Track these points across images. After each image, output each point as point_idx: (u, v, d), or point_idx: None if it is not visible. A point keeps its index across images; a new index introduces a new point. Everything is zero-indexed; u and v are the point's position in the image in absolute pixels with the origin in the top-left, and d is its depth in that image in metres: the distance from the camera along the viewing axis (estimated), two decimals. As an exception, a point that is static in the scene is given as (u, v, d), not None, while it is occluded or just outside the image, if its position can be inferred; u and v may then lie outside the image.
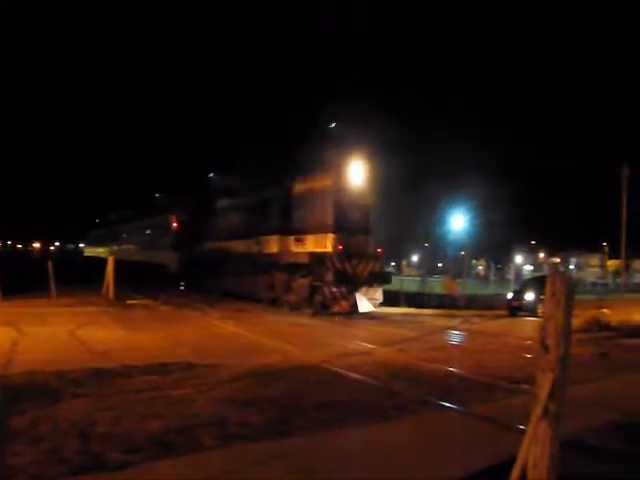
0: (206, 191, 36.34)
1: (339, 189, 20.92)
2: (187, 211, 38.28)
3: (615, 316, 17.30)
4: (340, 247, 20.45)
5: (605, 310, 18.01)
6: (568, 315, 4.11)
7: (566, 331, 4.11)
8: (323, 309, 20.27)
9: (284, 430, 6.45)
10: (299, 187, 23.12)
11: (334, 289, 20.22)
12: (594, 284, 63.65)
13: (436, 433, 6.56)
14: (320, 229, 21.38)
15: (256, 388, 8.44)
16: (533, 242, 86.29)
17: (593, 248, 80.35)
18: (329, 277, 19.97)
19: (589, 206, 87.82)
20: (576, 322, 12.43)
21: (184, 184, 50.97)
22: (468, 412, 7.36)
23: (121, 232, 66.33)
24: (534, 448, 4.20)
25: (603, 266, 77.12)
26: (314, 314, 20.18)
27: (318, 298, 20.47)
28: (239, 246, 27.78)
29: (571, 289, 4.13)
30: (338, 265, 20.17)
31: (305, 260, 21.36)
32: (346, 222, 20.83)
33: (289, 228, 23.26)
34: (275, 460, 5.47)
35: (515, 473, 4.13)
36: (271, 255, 24.11)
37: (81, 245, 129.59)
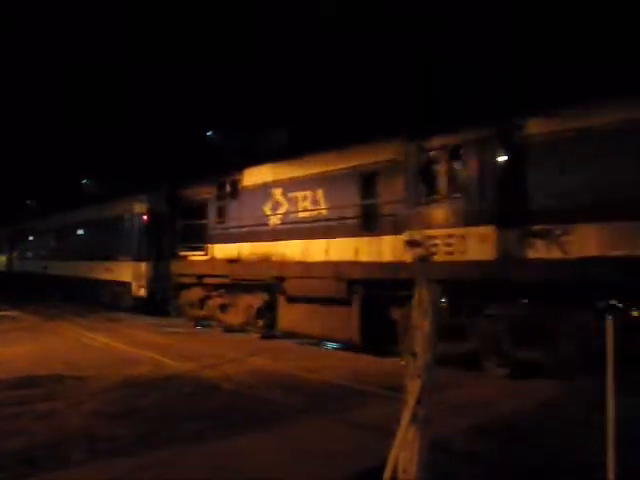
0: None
1: None
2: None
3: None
4: None
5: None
6: (434, 323, 4.30)
7: (432, 338, 4.30)
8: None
9: (154, 443, 6.32)
10: None
11: None
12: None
13: (311, 440, 6.59)
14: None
15: (127, 400, 8.22)
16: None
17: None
18: None
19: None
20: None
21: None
22: (343, 418, 7.50)
23: None
24: (403, 452, 4.34)
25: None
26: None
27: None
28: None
29: (437, 299, 4.33)
30: None
31: None
32: None
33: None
34: (141, 473, 5.39)
35: (385, 478, 4.26)
36: None
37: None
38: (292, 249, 15.20)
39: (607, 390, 4.60)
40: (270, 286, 15.96)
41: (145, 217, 23.84)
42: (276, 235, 15.80)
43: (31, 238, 41.23)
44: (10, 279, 43.13)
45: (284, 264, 15.31)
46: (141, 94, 38.60)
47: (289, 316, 15.47)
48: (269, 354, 12.95)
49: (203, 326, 19.34)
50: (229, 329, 17.87)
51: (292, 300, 15.23)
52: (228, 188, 17.92)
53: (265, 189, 16.30)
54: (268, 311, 16.36)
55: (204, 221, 18.84)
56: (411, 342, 4.32)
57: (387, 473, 4.27)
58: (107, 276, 26.33)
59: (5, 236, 47.01)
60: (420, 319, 4.29)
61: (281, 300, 15.66)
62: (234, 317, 17.75)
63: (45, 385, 9.09)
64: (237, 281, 17.12)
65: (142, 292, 23.23)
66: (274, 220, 15.96)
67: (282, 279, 15.34)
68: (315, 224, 14.58)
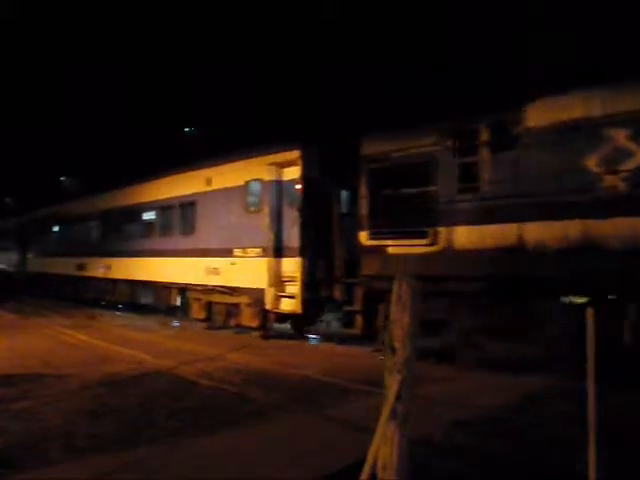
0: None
1: None
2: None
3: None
4: None
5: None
6: (414, 318, 4.28)
7: (412, 333, 4.27)
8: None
9: (134, 441, 6.25)
10: None
11: None
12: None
13: (290, 437, 6.58)
14: None
15: (106, 398, 8.14)
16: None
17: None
18: None
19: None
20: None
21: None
22: (323, 415, 7.48)
23: None
24: (383, 449, 4.30)
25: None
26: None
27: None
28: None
29: (416, 293, 4.31)
30: None
31: None
32: None
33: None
34: (123, 471, 5.33)
35: (364, 475, 4.22)
36: None
37: None
38: None
39: (588, 383, 4.60)
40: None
41: (298, 186, 14.82)
42: (619, 205, 9.55)
43: (56, 229, 31.44)
44: (22, 284, 35.58)
45: None
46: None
47: None
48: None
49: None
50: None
51: None
52: (485, 134, 11.28)
53: (586, 129, 9.96)
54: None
55: (422, 190, 12.16)
56: (390, 337, 4.30)
57: (366, 469, 4.23)
58: (208, 280, 17.29)
59: (13, 228, 38.50)
60: (400, 313, 4.26)
61: None
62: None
63: (22, 383, 8.98)
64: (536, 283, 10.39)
65: (290, 305, 14.69)
66: (614, 181, 9.65)
67: None
68: None
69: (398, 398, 4.25)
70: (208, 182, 17.92)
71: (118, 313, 22.42)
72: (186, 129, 33.24)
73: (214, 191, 17.67)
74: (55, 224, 31.54)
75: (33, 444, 6.12)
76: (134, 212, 22.40)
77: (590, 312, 4.65)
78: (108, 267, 24.06)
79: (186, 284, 18.53)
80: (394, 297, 4.30)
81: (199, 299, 18.14)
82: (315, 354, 12.95)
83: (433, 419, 7.03)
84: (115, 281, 23.65)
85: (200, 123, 33.13)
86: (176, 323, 18.93)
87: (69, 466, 5.52)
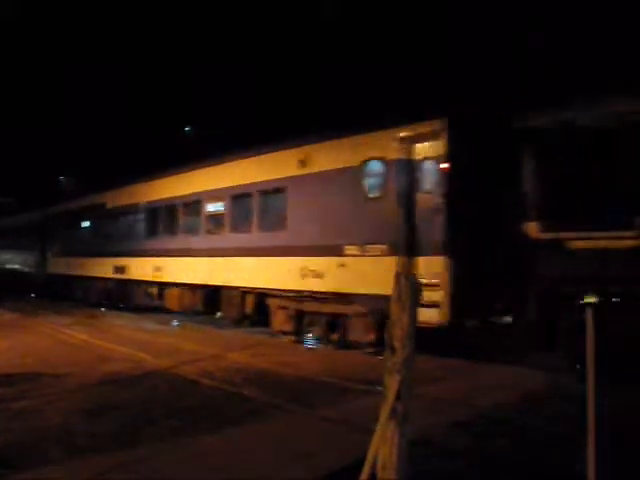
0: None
1: None
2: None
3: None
4: None
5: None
6: (413, 317, 4.27)
7: (411, 333, 4.26)
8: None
9: (133, 440, 6.26)
10: None
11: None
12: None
13: (290, 436, 6.58)
14: None
15: (105, 397, 8.16)
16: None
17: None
18: None
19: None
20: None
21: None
22: (321, 415, 7.47)
23: None
24: (383, 448, 4.29)
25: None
26: None
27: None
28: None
29: (416, 292, 4.29)
30: None
31: None
32: None
33: None
34: (122, 470, 5.32)
35: (364, 475, 4.21)
36: None
37: None
38: None
39: (587, 383, 4.59)
40: None
41: (443, 165, 11.49)
42: None
43: (86, 224, 26.75)
44: (41, 287, 31.70)
45: None
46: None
47: None
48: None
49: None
50: None
51: None
52: None
53: None
54: None
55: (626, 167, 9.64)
56: (390, 337, 4.28)
57: (366, 469, 4.22)
58: (302, 284, 13.98)
59: (31, 225, 33.39)
60: (399, 313, 4.25)
61: None
62: None
63: (21, 382, 9.04)
64: None
65: (430, 316, 10.95)
66: None
67: None
68: None
69: (397, 398, 4.24)
70: (302, 164, 14.38)
71: (118, 313, 22.37)
72: (186, 128, 33.24)
73: (312, 175, 14.17)
74: (85, 219, 26.91)
75: (33, 444, 6.13)
76: (191, 203, 18.73)
77: (589, 311, 4.64)
78: (159, 269, 20.01)
79: (268, 289, 15.16)
80: (393, 296, 4.28)
81: (285, 307, 14.74)
82: (314, 354, 12.94)
83: (433, 419, 7.01)
84: (165, 285, 19.96)
85: (200, 122, 33.13)
86: (176, 323, 18.90)
87: (69, 466, 5.51)
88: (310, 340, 13.98)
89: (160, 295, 20.37)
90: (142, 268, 21.00)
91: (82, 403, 7.78)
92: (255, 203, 15.90)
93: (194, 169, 18.94)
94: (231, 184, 16.84)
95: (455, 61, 24.69)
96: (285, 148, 15.11)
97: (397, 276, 4.33)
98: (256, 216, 15.86)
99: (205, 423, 6.96)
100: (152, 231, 21.05)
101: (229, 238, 16.86)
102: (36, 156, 45.99)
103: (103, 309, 23.12)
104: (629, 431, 6.60)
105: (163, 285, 20.02)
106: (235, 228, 16.73)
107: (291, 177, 14.64)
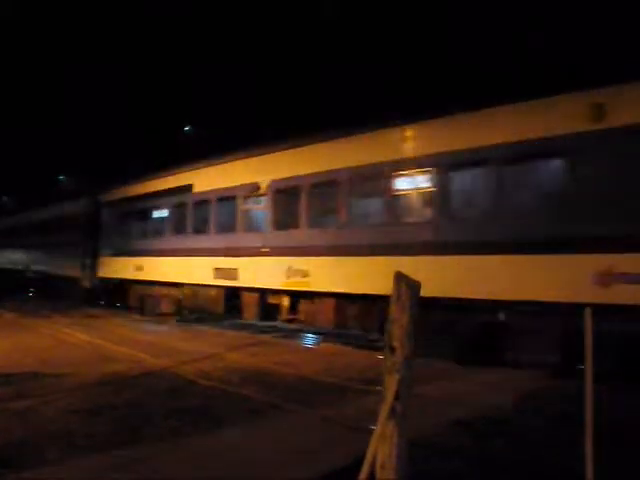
0: None
1: None
2: None
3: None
4: None
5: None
6: (413, 317, 4.26)
7: (411, 333, 4.26)
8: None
9: (133, 440, 6.24)
10: None
11: None
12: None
13: (289, 436, 6.57)
14: None
15: (104, 397, 8.13)
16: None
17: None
18: None
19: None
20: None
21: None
22: (321, 414, 7.47)
23: None
24: (382, 448, 4.28)
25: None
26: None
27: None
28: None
29: (415, 293, 4.29)
30: None
31: None
32: None
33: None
34: (121, 470, 5.31)
35: (363, 474, 4.21)
36: None
37: None
38: None
39: (586, 383, 4.59)
40: None
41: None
42: None
43: (156, 215, 20.91)
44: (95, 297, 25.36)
45: None
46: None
47: None
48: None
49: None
50: None
51: None
52: None
53: None
54: None
55: None
56: (389, 336, 4.28)
57: (365, 468, 4.21)
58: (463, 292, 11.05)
59: (72, 217, 26.92)
60: (399, 312, 4.25)
61: None
62: None
63: (20, 382, 9.00)
64: None
65: None
66: None
67: None
68: None
69: (397, 397, 4.23)
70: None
71: (118, 313, 22.35)
72: (186, 128, 33.23)
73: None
74: (157, 208, 20.83)
75: (32, 443, 6.09)
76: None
77: (588, 311, 4.63)
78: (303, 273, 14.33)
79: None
80: (393, 296, 4.28)
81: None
82: (314, 353, 12.93)
83: (433, 419, 7.01)
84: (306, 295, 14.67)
85: (200, 122, 33.14)
86: (176, 323, 18.89)
87: (68, 465, 5.50)
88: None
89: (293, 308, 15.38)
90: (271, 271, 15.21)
91: (82, 403, 7.75)
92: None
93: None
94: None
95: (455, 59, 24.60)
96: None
97: (397, 276, 4.32)
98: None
99: (205, 423, 6.95)
100: (282, 221, 15.29)
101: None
102: (36, 156, 46.08)
103: (100, 310, 23.01)
104: (629, 431, 6.60)
105: (298, 295, 14.92)
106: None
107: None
